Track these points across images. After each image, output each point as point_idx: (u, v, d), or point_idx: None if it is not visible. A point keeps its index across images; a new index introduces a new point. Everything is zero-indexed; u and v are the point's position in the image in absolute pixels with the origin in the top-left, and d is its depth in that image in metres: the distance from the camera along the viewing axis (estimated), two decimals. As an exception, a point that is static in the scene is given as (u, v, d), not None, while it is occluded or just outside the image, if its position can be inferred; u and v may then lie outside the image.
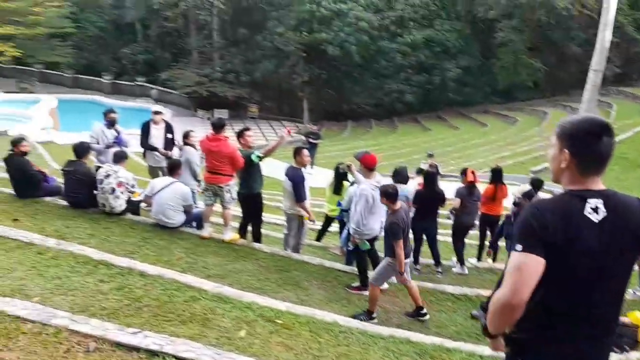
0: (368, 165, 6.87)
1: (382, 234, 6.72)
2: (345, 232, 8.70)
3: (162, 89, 41.61)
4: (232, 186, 7.85)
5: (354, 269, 7.79)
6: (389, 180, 7.70)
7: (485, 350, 5.27)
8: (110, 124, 9.55)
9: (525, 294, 2.17)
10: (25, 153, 8.53)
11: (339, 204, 8.56)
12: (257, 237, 8.39)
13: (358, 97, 45.23)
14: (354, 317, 6.02)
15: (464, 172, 9.06)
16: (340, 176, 8.66)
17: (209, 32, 44.03)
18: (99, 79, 43.45)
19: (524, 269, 2.18)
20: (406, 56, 38.05)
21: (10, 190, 8.57)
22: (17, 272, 5.29)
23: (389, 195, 6.26)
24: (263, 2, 41.41)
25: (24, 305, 4.37)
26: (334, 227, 9.72)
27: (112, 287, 5.25)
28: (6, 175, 9.82)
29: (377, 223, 6.94)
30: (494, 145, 26.07)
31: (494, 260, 9.42)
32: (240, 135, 8.10)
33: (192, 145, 8.87)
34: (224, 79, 38.99)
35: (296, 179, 7.72)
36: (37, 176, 8.46)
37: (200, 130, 32.48)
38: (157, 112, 9.88)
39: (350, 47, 36.11)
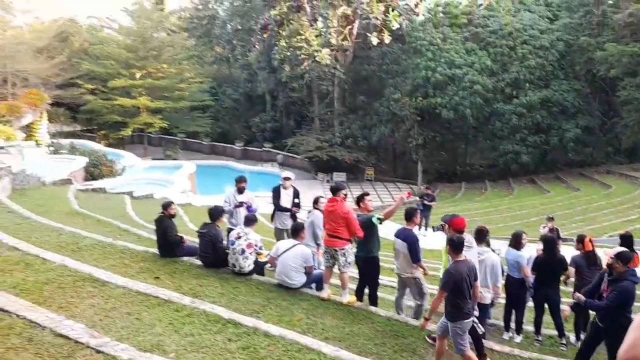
0: (457, 228, 6.70)
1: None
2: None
3: (286, 154, 43.34)
4: (348, 250, 7.87)
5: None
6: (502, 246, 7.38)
7: None
8: (240, 191, 10.08)
9: None
10: (173, 216, 9.18)
11: None
12: (374, 301, 8.27)
13: (472, 158, 44.23)
14: None
15: (580, 240, 8.40)
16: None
17: (330, 101, 45.57)
18: (231, 145, 46.29)
19: None
20: (522, 117, 36.79)
21: (154, 250, 9.21)
22: (156, 328, 5.61)
23: (452, 245, 6.05)
24: (381, 71, 42.39)
25: (162, 361, 4.61)
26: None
27: (238, 346, 5.40)
28: (151, 236, 10.61)
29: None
30: (620, 208, 24.10)
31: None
32: (360, 200, 8.18)
33: (320, 211, 9.07)
34: (343, 143, 39.88)
35: (410, 240, 7.58)
36: (178, 239, 9.04)
37: (319, 191, 33.37)
38: (287, 178, 10.36)
39: (465, 110, 35.68)
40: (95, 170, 21.53)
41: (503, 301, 8.63)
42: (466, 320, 6.02)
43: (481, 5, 43.29)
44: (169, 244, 8.90)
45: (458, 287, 5.87)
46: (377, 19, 38.55)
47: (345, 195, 8.31)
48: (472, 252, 6.74)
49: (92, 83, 40.62)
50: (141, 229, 12.08)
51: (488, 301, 7.42)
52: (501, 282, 7.47)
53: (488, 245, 7.79)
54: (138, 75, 40.49)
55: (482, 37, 40.09)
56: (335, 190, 8.13)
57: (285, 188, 10.20)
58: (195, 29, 52.95)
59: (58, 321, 5.21)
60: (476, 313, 6.56)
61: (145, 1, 48.98)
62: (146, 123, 39.88)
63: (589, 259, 8.13)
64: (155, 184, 22.18)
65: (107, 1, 60.88)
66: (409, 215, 7.78)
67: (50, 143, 26.25)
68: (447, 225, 7.10)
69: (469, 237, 6.87)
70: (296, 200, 10.13)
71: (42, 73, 36.22)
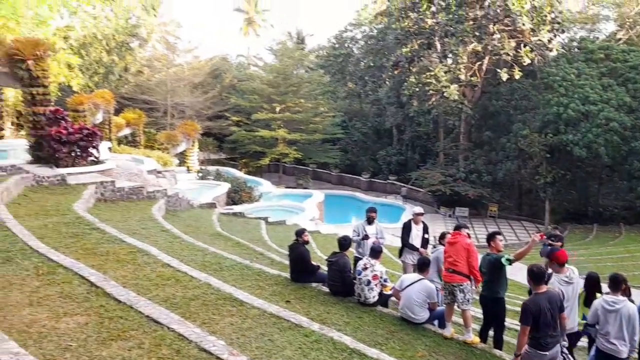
0: (559, 261, 6.30)
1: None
2: (593, 350, 7.65)
3: (410, 187, 42.93)
4: (466, 287, 7.57)
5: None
6: None
7: None
8: (370, 221, 10.14)
9: None
10: (306, 242, 9.47)
11: (584, 317, 7.59)
12: (499, 343, 7.82)
13: (606, 199, 40.63)
14: None
15: None
16: (592, 286, 7.72)
17: (455, 135, 44.67)
18: (358, 177, 46.87)
19: None
20: (664, 157, 33.41)
21: (286, 274, 9.51)
22: (287, 351, 5.74)
23: (532, 275, 5.64)
24: (509, 106, 40.80)
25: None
26: (582, 342, 8.61)
27: (363, 378, 5.37)
28: (283, 260, 10.97)
29: (571, 320, 6.39)
30: None
31: None
32: (490, 238, 7.83)
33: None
34: (467, 178, 38.70)
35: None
36: (313, 266, 9.27)
37: (441, 225, 32.54)
38: (419, 214, 10.23)
39: (599, 148, 33.02)
40: (236, 195, 22.82)
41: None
42: (543, 352, 5.54)
43: (620, 40, 40.30)
44: (302, 270, 9.15)
45: (537, 321, 5.45)
46: (508, 54, 37.34)
47: (468, 235, 8.09)
48: (570, 288, 6.23)
49: (237, 115, 43.52)
50: (274, 253, 12.54)
51: (624, 355, 6.71)
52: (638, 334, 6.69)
53: (628, 294, 7.06)
54: (278, 109, 42.61)
55: (620, 73, 37.13)
56: (458, 227, 8.03)
57: (416, 223, 10.11)
58: (331, 66, 54.77)
59: (202, 336, 5.53)
60: (565, 343, 6.12)
61: (288, 41, 51.76)
62: (282, 153, 41.73)
63: None
64: (287, 211, 22.99)
65: (255, 41, 64.90)
66: (551, 257, 7.30)
67: (199, 169, 28.29)
68: (548, 260, 6.69)
69: (570, 272, 6.32)
70: (425, 236, 10.00)
71: (197, 106, 39.45)
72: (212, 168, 30.30)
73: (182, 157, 27.92)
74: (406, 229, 10.01)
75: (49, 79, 14.16)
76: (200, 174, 26.93)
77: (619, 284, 6.99)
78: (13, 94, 19.46)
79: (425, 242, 9.98)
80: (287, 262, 9.78)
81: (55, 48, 20.28)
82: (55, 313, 5.48)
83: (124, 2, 35.63)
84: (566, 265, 6.43)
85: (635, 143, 34.12)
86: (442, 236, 9.13)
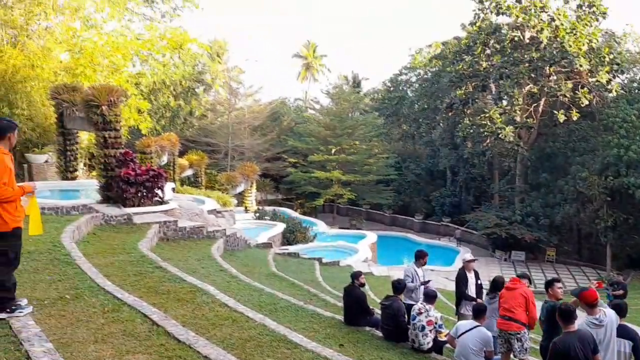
0: (588, 302, 5.86)
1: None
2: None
3: (464, 229, 41.91)
4: (524, 335, 7.23)
5: None
6: None
7: None
8: (421, 265, 9.93)
9: None
10: (362, 285, 9.36)
11: None
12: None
13: (673, 246, 38.28)
14: None
15: None
16: None
17: (511, 177, 43.59)
18: (411, 218, 46.26)
19: None
20: None
21: (339, 316, 9.39)
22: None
23: (560, 313, 5.40)
24: (567, 148, 39.57)
25: None
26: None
27: None
28: (337, 302, 10.87)
29: None
30: None
31: None
32: (549, 285, 7.51)
33: None
34: (523, 221, 37.43)
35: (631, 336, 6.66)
36: (369, 309, 9.14)
37: (496, 270, 31.40)
38: (470, 261, 9.91)
39: (665, 191, 31.43)
40: (291, 235, 22.98)
41: None
42: None
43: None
44: (358, 313, 9.02)
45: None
46: (565, 96, 36.47)
47: (529, 284, 7.81)
48: (602, 331, 5.82)
49: (294, 157, 44.23)
50: (328, 295, 12.45)
51: None
52: None
53: None
54: (333, 150, 43.06)
55: (687, 113, 35.51)
56: (520, 276, 7.76)
57: (468, 271, 9.78)
58: (385, 108, 55.14)
59: (257, 379, 5.51)
60: None
61: (344, 85, 52.64)
62: (337, 194, 41.88)
63: None
64: (341, 252, 22.91)
65: (312, 85, 66.53)
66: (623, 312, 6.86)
67: (256, 209, 28.73)
68: (577, 300, 6.27)
69: (601, 315, 5.89)
70: (479, 282, 9.67)
71: (256, 148, 40.42)
72: (269, 208, 30.73)
73: (241, 197, 28.49)
74: (462, 279, 9.55)
75: (121, 123, 14.89)
76: (257, 214, 27.34)
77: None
78: (87, 137, 20.61)
79: (479, 289, 9.62)
80: (340, 304, 9.68)
81: (128, 94, 21.40)
82: (119, 350, 5.60)
83: (191, 50, 37.46)
84: (599, 306, 6.03)
85: None
86: (495, 282, 8.75)
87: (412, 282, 9.71)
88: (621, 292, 16.39)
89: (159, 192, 14.61)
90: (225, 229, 15.98)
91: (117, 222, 12.58)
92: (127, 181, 13.60)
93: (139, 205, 13.76)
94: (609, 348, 6.05)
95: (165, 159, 22.02)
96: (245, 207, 28.20)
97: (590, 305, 6.07)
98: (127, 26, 33.21)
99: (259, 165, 34.30)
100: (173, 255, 11.83)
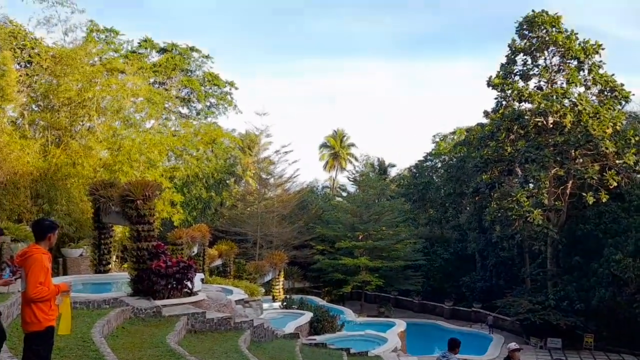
0: None
1: None
2: None
3: (496, 315, 40.39)
4: None
5: None
6: None
7: None
8: (455, 354, 9.71)
9: None
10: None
11: None
12: None
13: None
14: None
15: None
16: None
17: (542, 261, 42.39)
18: (441, 304, 44.90)
19: None
20: None
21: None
22: None
23: None
24: (598, 230, 38.57)
25: None
26: None
27: None
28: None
29: None
30: None
31: None
32: None
33: None
34: (558, 306, 35.94)
35: None
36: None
37: (532, 358, 29.88)
38: (515, 350, 9.68)
39: None
40: (318, 325, 22.59)
41: None
42: None
43: None
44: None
45: None
46: (592, 178, 36.14)
47: None
48: None
49: (322, 244, 44.06)
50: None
51: None
52: None
53: None
54: (360, 236, 42.93)
55: None
56: None
57: None
58: (412, 193, 55.35)
59: None
60: None
61: (370, 172, 53.41)
62: (364, 281, 41.25)
63: None
64: (369, 341, 22.31)
65: (339, 172, 67.63)
66: None
67: (284, 298, 28.50)
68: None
69: None
70: None
71: (284, 236, 40.61)
72: (296, 297, 30.42)
73: (269, 286, 28.38)
74: None
75: (155, 216, 15.34)
76: (284, 303, 27.08)
77: None
78: (120, 229, 21.19)
79: None
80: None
81: (162, 187, 22.14)
82: None
83: (224, 144, 39.02)
84: None
85: None
86: None
87: None
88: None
89: (188, 283, 14.76)
90: (252, 320, 15.87)
91: (147, 315, 12.70)
92: (158, 273, 13.82)
93: (168, 297, 13.88)
94: None
95: (195, 249, 22.35)
96: (273, 296, 28.02)
97: None
98: (165, 124, 35.13)
99: (287, 253, 34.37)
100: (201, 348, 11.80)
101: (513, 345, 9.95)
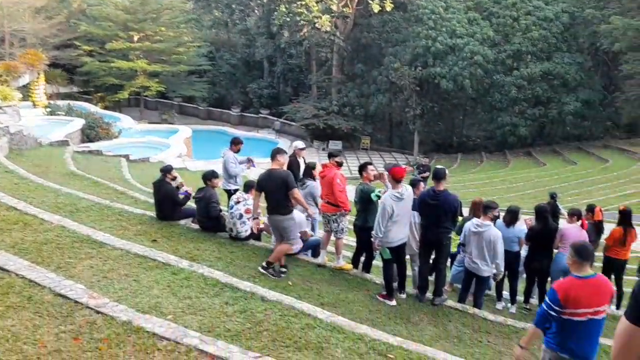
0: (395, 177, 6.96)
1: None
2: (455, 267, 8.44)
3: (283, 120, 43.08)
4: (339, 217, 7.88)
5: (466, 307, 7.53)
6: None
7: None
8: (236, 151, 10.07)
9: None
10: (174, 179, 9.19)
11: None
12: (368, 268, 8.36)
13: (469, 130, 44.14)
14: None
15: (591, 210, 8.53)
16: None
17: (328, 68, 45.15)
18: (228, 111, 45.95)
19: (629, 340, 2.09)
20: (521, 89, 36.51)
21: (151, 213, 9.22)
22: (154, 290, 5.64)
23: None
24: (381, 39, 41.83)
25: (160, 323, 4.64)
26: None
27: (236, 310, 5.44)
28: (148, 199, 10.62)
29: (401, 233, 7.04)
30: (616, 182, 24.18)
31: (617, 307, 8.60)
32: (362, 169, 8.04)
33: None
34: (340, 111, 39.66)
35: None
36: (180, 202, 9.06)
37: (315, 159, 33.27)
38: (302, 149, 10.26)
39: (464, 80, 35.33)
40: (91, 132, 21.36)
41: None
42: None
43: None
44: (170, 207, 8.93)
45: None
46: (379, -14, 37.88)
47: (339, 163, 8.35)
48: (401, 204, 6.90)
49: (89, 45, 39.88)
50: (138, 192, 12.09)
51: (485, 274, 7.44)
52: (501, 258, 7.33)
53: (495, 219, 7.78)
54: (136, 38, 39.82)
55: (485, 7, 39.57)
56: (329, 155, 8.29)
57: (299, 157, 10.20)
58: (194, -10, 52.00)
59: (57, 281, 5.23)
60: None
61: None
62: (143, 86, 39.38)
63: (598, 229, 8.27)
64: (151, 148, 22.09)
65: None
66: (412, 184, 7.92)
67: (47, 104, 25.98)
68: (383, 174, 7.38)
69: (403, 189, 6.97)
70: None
71: (40, 33, 35.56)
72: (62, 103, 27.89)
73: (26, 91, 25.41)
74: (294, 164, 9.81)
75: None
76: (48, 109, 24.74)
77: (478, 209, 7.75)
78: None
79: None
80: (152, 200, 9.47)
81: None
82: None
83: None
84: (402, 183, 6.97)
85: (497, 76, 36.99)
86: (306, 169, 9.15)
87: (236, 166, 9.88)
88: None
89: None
90: (8, 126, 14.31)
91: None
92: None
93: None
94: (404, 217, 6.98)
95: None
96: (33, 102, 25.33)
97: (397, 181, 6.90)
98: None
99: (46, 53, 30.45)
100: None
101: (300, 144, 10.64)
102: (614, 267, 8.54)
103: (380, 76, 39.62)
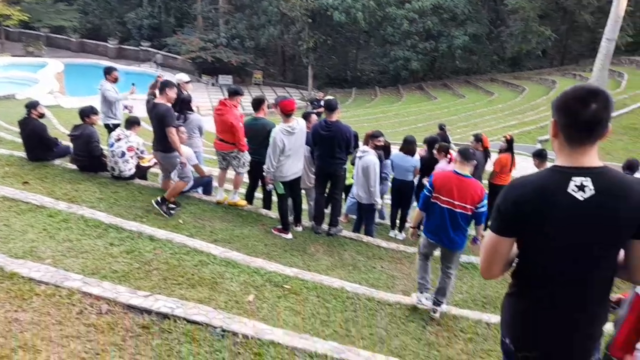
0: (284, 111, 6.92)
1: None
2: (350, 199, 8.73)
3: (166, 54, 41.18)
4: (238, 154, 7.75)
5: (361, 236, 7.83)
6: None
7: (492, 318, 5.31)
8: (112, 80, 9.57)
9: (496, 271, 2.41)
10: (41, 116, 8.51)
11: None
12: (267, 204, 8.41)
13: (363, 64, 44.79)
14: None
15: (479, 139, 9.04)
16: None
17: (214, -2, 43.43)
18: (104, 43, 43.05)
19: (495, 250, 2.36)
20: (413, 23, 37.32)
21: (20, 153, 8.56)
22: (28, 235, 5.31)
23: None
24: (270, -34, 40.66)
25: (37, 267, 4.39)
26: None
27: (122, 251, 5.28)
28: (14, 139, 9.85)
29: (294, 167, 7.13)
30: (501, 114, 25.79)
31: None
32: (257, 104, 7.88)
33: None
34: (229, 44, 38.53)
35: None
36: (51, 140, 8.47)
37: (204, 95, 32.42)
38: (188, 82, 9.79)
39: (357, 13, 35.43)
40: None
41: (388, 201, 9.21)
42: None
43: None
44: (39, 146, 8.31)
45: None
46: None
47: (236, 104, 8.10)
48: (293, 138, 6.92)
49: None
50: (3, 131, 11.17)
51: (364, 201, 7.77)
52: (376, 185, 7.58)
53: (381, 149, 8.07)
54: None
55: None
56: (232, 93, 7.84)
57: (185, 91, 9.73)
58: None
59: None
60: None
61: None
62: (2, 15, 35.74)
63: (486, 155, 8.84)
64: (16, 83, 20.37)
65: None
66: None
67: None
68: (277, 106, 7.23)
69: (294, 123, 6.98)
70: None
71: None
72: None
73: None
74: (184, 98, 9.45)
75: None
76: None
77: (368, 138, 7.97)
78: None
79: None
80: (20, 140, 8.78)
81: None
82: None
83: None
84: (294, 117, 6.96)
85: (390, 9, 37.44)
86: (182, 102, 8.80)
87: (117, 93, 9.47)
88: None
89: None
90: None
91: None
92: None
93: None
94: (297, 152, 7.00)
95: None
96: None
97: (287, 115, 6.85)
98: None
99: None
100: None
101: (185, 77, 10.16)
102: (497, 193, 9.18)
103: (271, 7, 38.70)
